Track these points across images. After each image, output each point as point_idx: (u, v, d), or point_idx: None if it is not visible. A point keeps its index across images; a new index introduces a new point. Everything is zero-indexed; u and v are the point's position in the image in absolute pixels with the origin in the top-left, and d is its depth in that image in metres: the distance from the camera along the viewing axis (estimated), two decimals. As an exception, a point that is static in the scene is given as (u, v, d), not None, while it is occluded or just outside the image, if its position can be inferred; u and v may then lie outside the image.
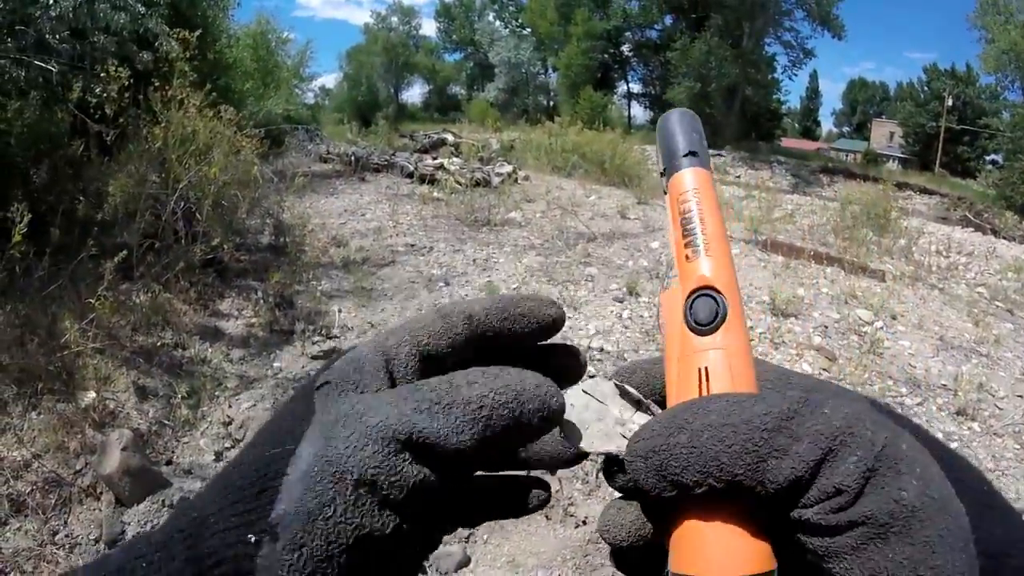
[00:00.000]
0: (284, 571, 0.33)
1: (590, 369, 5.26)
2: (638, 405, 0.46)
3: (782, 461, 0.34)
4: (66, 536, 3.22)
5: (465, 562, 3.94)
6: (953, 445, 4.73)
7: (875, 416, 0.35)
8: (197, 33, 6.15)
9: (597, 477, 4.19)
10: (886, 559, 0.32)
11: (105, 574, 0.35)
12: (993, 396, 5.51)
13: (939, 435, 4.88)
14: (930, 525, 0.31)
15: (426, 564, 3.87)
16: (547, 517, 4.05)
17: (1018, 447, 4.84)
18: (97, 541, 3.22)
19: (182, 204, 5.53)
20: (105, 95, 5.36)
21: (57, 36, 5.47)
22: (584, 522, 3.89)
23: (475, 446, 0.36)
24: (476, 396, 0.37)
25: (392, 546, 0.36)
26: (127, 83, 5.35)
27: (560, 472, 4.23)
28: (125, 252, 4.67)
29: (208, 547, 0.34)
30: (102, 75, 5.31)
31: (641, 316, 6.19)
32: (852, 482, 0.32)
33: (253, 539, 0.33)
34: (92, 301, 4.22)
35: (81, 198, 5.41)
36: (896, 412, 0.39)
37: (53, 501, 3.35)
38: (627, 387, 0.48)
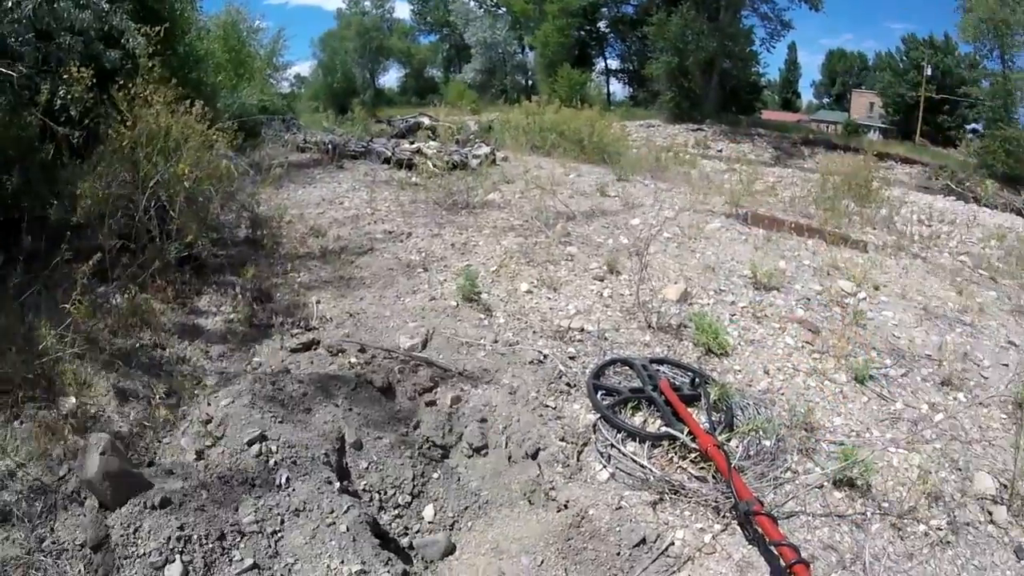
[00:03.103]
0: None
1: (570, 350, 5.27)
2: None
3: None
4: (53, 543, 3.21)
5: (450, 550, 3.96)
6: (938, 417, 4.78)
7: None
8: (164, 27, 6.03)
9: (578, 460, 4.20)
10: None
11: None
12: (978, 365, 5.55)
13: (924, 406, 4.91)
14: None
15: (411, 554, 3.88)
16: (530, 502, 4.06)
17: (1004, 417, 4.88)
18: (83, 546, 3.21)
19: (154, 202, 5.45)
20: (70, 96, 5.27)
21: (20, 39, 5.35)
22: (566, 505, 3.89)
23: None
24: None
25: None
26: (91, 83, 5.25)
27: (541, 456, 4.24)
28: (99, 254, 4.61)
29: None
30: (66, 76, 5.21)
31: (621, 295, 6.18)
32: None
33: None
34: (68, 306, 4.17)
35: (53, 202, 5.33)
36: None
37: (39, 508, 3.34)
38: None
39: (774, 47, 52.12)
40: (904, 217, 10.96)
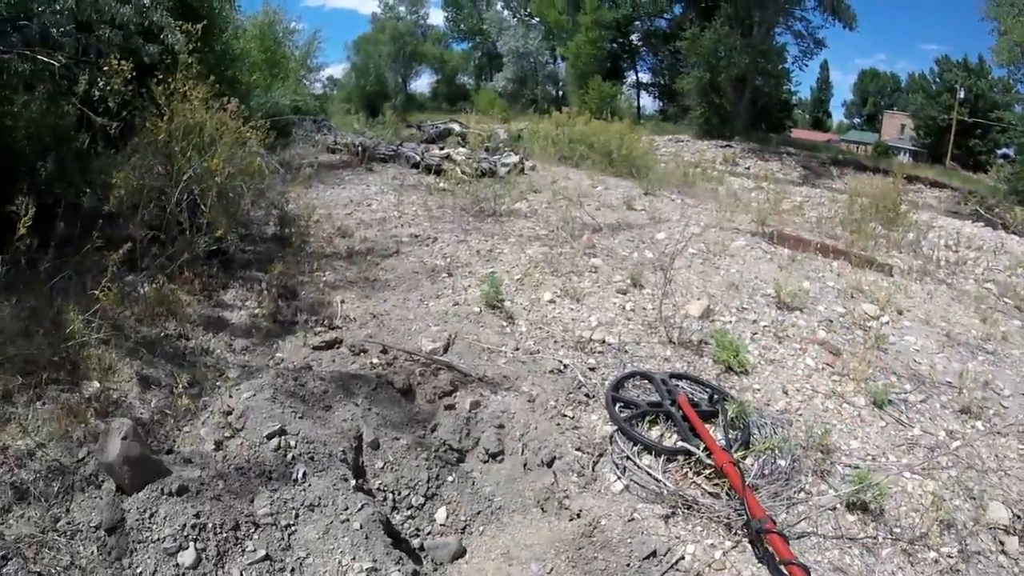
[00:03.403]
0: None
1: (590, 361, 5.28)
2: None
3: None
4: (68, 523, 3.26)
5: (460, 553, 3.97)
6: (955, 444, 4.73)
7: None
8: (202, 25, 6.13)
9: (593, 471, 4.20)
10: None
11: None
12: (998, 395, 5.48)
13: (942, 433, 4.87)
14: None
15: (421, 555, 3.90)
16: (542, 510, 4.07)
17: (1022, 447, 4.82)
18: (97, 528, 3.25)
19: (187, 196, 5.55)
20: (109, 88, 5.38)
21: (62, 30, 5.47)
22: (578, 515, 3.90)
23: None
24: None
25: None
26: (131, 76, 5.36)
27: (556, 465, 4.25)
28: (130, 244, 4.69)
29: None
30: (106, 68, 5.32)
31: (644, 308, 6.18)
32: None
33: None
34: (97, 292, 4.25)
35: (86, 191, 5.44)
36: None
37: (56, 489, 3.40)
38: None
39: (807, 65, 51.98)
40: (931, 242, 10.84)
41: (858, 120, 79.44)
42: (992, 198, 28.29)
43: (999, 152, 44.99)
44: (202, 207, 5.58)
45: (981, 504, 4.20)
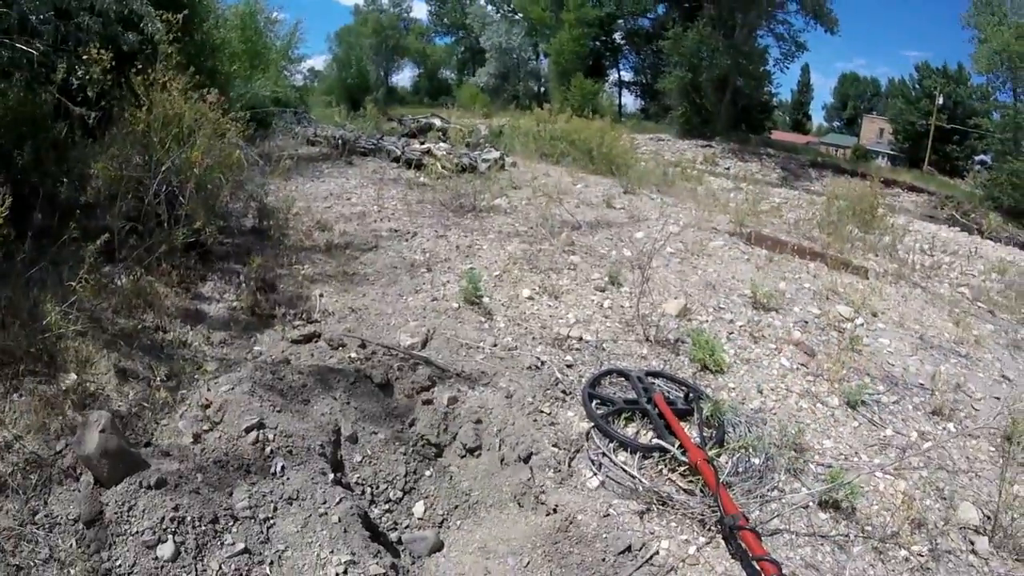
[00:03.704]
0: None
1: (567, 358, 5.31)
2: None
3: None
4: (46, 516, 3.24)
5: (438, 546, 3.99)
6: (927, 445, 4.82)
7: None
8: (183, 14, 6.09)
9: (569, 466, 4.24)
10: None
11: None
12: (970, 397, 5.59)
13: (914, 434, 4.96)
14: None
15: (399, 548, 3.92)
16: (519, 504, 4.10)
17: (992, 449, 4.92)
18: (76, 521, 3.24)
19: (165, 187, 5.51)
20: (88, 77, 5.33)
21: (41, 17, 5.41)
22: (555, 510, 3.93)
23: None
24: None
25: None
26: (110, 65, 5.31)
27: (533, 460, 4.28)
28: (107, 235, 4.65)
29: None
30: (85, 57, 5.27)
31: (622, 306, 6.23)
32: None
33: None
34: (74, 284, 4.21)
35: (64, 181, 5.39)
36: None
37: (33, 481, 3.37)
38: None
39: (788, 68, 52.41)
40: (907, 245, 11.00)
41: (838, 123, 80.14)
42: (968, 203, 28.73)
43: (976, 158, 45.67)
44: (180, 198, 5.55)
45: (952, 504, 4.29)
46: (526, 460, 4.31)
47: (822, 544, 3.83)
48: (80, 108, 5.57)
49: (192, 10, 7.75)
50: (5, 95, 5.43)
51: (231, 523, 3.44)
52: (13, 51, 5.21)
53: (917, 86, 53.98)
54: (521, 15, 55.60)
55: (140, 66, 5.54)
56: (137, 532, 3.23)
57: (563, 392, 4.90)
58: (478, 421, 4.59)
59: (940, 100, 48.72)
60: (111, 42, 5.76)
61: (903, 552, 3.87)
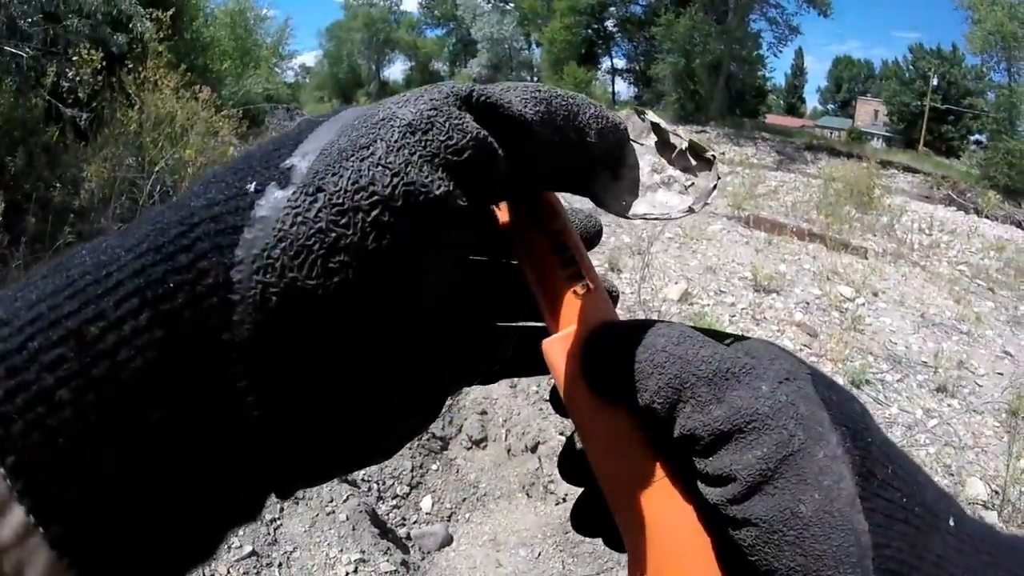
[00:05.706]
0: (288, 220, 0.26)
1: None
2: (672, 151, 0.40)
3: (694, 412, 0.31)
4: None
5: (448, 540, 3.97)
6: (932, 422, 4.80)
7: (808, 409, 0.31)
8: (171, 13, 6.04)
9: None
10: (779, 562, 0.30)
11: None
12: (973, 373, 5.58)
13: (919, 412, 4.94)
14: (824, 540, 0.29)
15: (408, 544, 3.90)
16: (528, 495, 4.08)
17: (997, 424, 4.91)
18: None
19: (159, 188, 5.47)
20: (78, 79, 5.28)
21: (29, 20, 5.37)
22: (564, 499, 3.91)
23: (539, 119, 0.32)
24: (534, 89, 0.33)
25: (449, 229, 0.29)
26: (100, 66, 5.27)
27: (540, 450, 4.26)
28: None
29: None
30: (75, 59, 5.22)
31: (622, 292, 6.20)
32: (746, 475, 0.30)
33: (252, 186, 0.28)
34: (69, 288, 4.18)
35: (57, 185, 5.34)
36: (845, 398, 0.34)
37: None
38: (660, 124, 0.42)
39: (781, 52, 52.11)
40: (905, 225, 10.99)
41: (832, 106, 79.81)
42: (964, 183, 28.69)
43: (972, 138, 45.57)
44: (175, 198, 5.51)
45: (959, 480, 4.28)
46: (533, 450, 4.30)
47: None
48: (71, 110, 5.52)
49: (181, 8, 7.69)
50: (-4, 101, 5.38)
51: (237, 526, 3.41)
52: (2, 55, 5.17)
53: (911, 68, 53.77)
54: (512, 5, 55.37)
55: (131, 66, 5.50)
56: (143, 536, 3.20)
57: (567, 381, 4.88)
58: (483, 412, 4.57)
59: (934, 81, 48.56)
60: (101, 43, 5.71)
61: (913, 531, 3.85)
